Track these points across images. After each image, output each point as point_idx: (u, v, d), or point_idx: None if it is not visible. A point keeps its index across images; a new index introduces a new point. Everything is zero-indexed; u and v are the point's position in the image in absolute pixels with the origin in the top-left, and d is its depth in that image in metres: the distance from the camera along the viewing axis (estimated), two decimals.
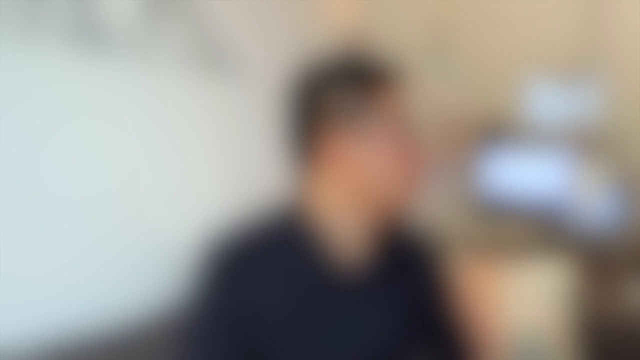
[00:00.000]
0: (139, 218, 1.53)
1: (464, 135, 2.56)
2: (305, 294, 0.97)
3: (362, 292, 1.02)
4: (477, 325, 1.19)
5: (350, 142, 0.97)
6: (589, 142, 2.46)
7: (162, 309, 1.41)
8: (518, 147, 2.54)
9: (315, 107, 0.99)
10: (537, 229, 2.45)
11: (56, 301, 1.32)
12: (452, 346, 1.15)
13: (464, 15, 2.56)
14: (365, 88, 0.98)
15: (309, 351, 0.97)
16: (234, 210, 1.03)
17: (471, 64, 2.53)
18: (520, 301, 2.21)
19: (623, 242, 2.31)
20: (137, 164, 1.54)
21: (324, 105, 0.98)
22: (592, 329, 2.12)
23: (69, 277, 1.35)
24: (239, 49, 1.84)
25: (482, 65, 2.52)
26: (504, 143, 2.55)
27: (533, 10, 2.49)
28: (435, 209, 2.20)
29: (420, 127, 1.04)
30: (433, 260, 1.14)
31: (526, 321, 2.19)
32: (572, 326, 2.16)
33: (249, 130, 1.83)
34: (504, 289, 2.21)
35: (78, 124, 1.40)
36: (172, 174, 1.64)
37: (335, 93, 0.97)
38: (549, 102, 2.54)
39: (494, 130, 2.56)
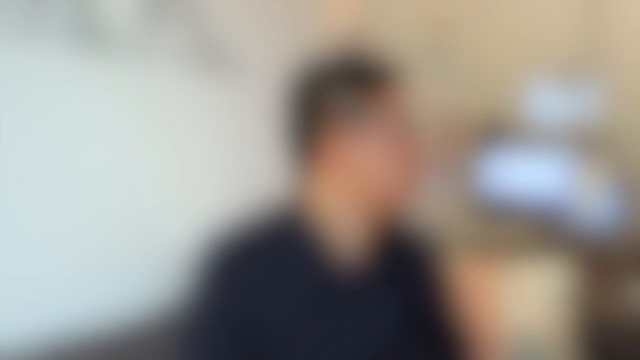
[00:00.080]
0: (139, 218, 1.53)
1: (464, 135, 2.56)
2: (305, 294, 0.97)
3: (362, 292, 1.02)
4: (476, 325, 1.19)
5: (350, 142, 0.97)
6: (589, 142, 2.46)
7: (162, 309, 1.41)
8: (518, 147, 2.54)
9: (315, 107, 0.99)
10: (537, 229, 2.45)
11: (56, 301, 1.32)
12: (450, 346, 1.15)
13: (464, 15, 2.56)
14: (365, 88, 0.98)
15: (308, 351, 0.97)
16: (234, 210, 1.03)
17: (471, 64, 2.53)
18: (520, 301, 2.21)
19: (623, 242, 2.31)
20: (137, 164, 1.54)
21: (324, 105, 0.98)
22: (592, 329, 2.12)
23: (69, 277, 1.35)
24: (239, 49, 1.84)
25: (482, 66, 2.52)
26: (504, 143, 2.55)
27: (533, 11, 2.50)
28: (435, 209, 2.20)
29: (420, 127, 1.04)
30: (432, 260, 1.14)
31: (526, 321, 2.19)
32: (572, 326, 2.16)
33: (249, 130, 1.83)
34: (504, 289, 2.21)
35: (78, 124, 1.40)
36: (172, 174, 1.64)
37: (335, 93, 0.97)
38: (549, 102, 2.54)
39: (494, 131, 2.56)
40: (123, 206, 1.49)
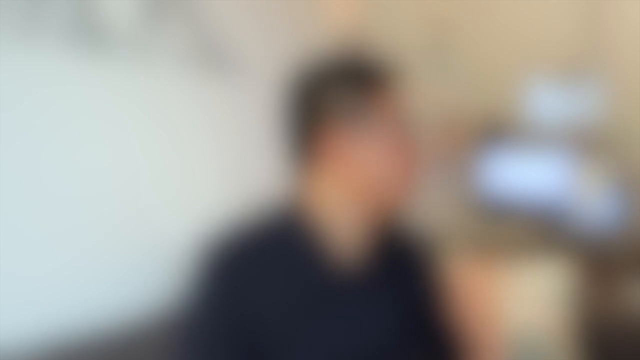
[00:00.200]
0: (139, 218, 1.53)
1: (464, 135, 2.56)
2: (304, 293, 0.97)
3: (361, 292, 1.02)
4: (475, 325, 1.19)
5: (349, 142, 0.97)
6: (589, 142, 2.46)
7: (162, 309, 1.41)
8: (518, 148, 2.54)
9: (314, 107, 0.99)
10: (537, 229, 2.45)
11: (56, 301, 1.32)
12: (449, 346, 1.15)
13: (464, 15, 2.56)
14: (364, 88, 0.98)
15: (308, 350, 0.97)
16: (234, 209, 1.03)
17: (471, 64, 2.53)
18: (520, 301, 2.21)
19: (623, 242, 2.31)
20: (137, 164, 1.54)
21: (324, 105, 0.98)
22: (592, 329, 2.12)
23: (69, 277, 1.35)
24: (239, 49, 1.84)
25: (482, 66, 2.52)
26: (504, 143, 2.55)
27: (533, 11, 2.50)
28: (435, 209, 2.20)
29: (420, 127, 1.04)
30: (431, 260, 1.14)
31: (526, 321, 2.19)
32: (572, 326, 2.16)
33: (249, 130, 1.83)
34: (504, 289, 2.21)
35: (78, 124, 1.40)
36: (172, 173, 1.64)
37: (335, 93, 0.98)
38: (549, 102, 2.54)
39: (494, 131, 2.56)
40: (123, 206, 1.49)
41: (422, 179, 1.03)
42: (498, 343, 2.13)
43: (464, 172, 2.55)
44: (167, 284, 1.40)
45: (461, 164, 2.54)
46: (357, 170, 0.98)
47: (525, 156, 2.53)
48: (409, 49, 2.09)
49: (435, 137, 2.46)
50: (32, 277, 1.28)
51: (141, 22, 1.55)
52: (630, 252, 2.27)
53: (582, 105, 2.50)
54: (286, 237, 0.99)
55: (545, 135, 2.51)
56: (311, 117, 0.99)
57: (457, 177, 2.54)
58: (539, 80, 2.54)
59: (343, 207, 1.00)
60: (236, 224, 1.00)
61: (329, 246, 1.00)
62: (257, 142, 1.74)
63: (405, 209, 1.04)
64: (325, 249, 1.00)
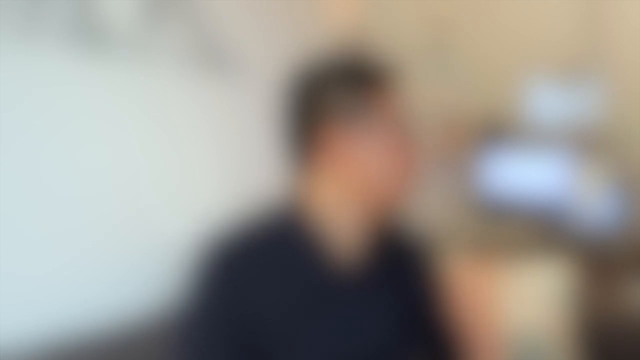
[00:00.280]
0: (139, 218, 1.53)
1: (464, 135, 2.56)
2: (304, 293, 0.97)
3: (360, 292, 1.02)
4: (475, 325, 1.19)
5: (348, 142, 0.97)
6: (589, 142, 2.46)
7: (162, 309, 1.41)
8: (518, 148, 2.54)
9: (314, 107, 0.99)
10: (537, 229, 2.45)
11: (56, 301, 1.32)
12: (447, 346, 1.15)
13: (464, 15, 2.56)
14: (364, 88, 0.98)
15: (307, 350, 0.97)
16: (234, 209, 1.03)
17: (471, 64, 2.53)
18: (520, 301, 2.21)
19: (623, 242, 2.31)
20: (137, 164, 1.54)
21: (323, 105, 0.98)
22: (592, 329, 2.12)
23: (69, 277, 1.35)
24: (239, 49, 1.84)
25: (482, 66, 2.52)
26: (504, 143, 2.55)
27: (533, 11, 2.50)
28: (434, 209, 2.20)
29: (420, 127, 1.04)
30: (431, 260, 1.14)
31: (526, 321, 2.19)
32: (572, 326, 2.16)
33: (249, 130, 1.83)
34: (504, 289, 2.21)
35: (78, 124, 1.40)
36: (172, 173, 1.64)
37: (335, 93, 0.98)
38: (549, 102, 2.54)
39: (494, 131, 2.56)
40: (123, 206, 1.49)
41: (422, 179, 1.03)
42: (498, 343, 2.13)
43: (464, 172, 2.55)
44: (167, 284, 1.40)
45: (461, 164, 2.54)
46: (357, 170, 0.98)
47: (525, 156, 2.53)
48: (409, 49, 2.09)
49: (435, 137, 2.46)
50: (32, 277, 1.28)
51: (141, 22, 1.55)
52: (630, 252, 2.27)
53: (582, 105, 2.50)
54: (286, 237, 0.99)
55: (545, 135, 2.51)
56: (311, 117, 0.99)
57: (457, 177, 2.54)
58: (539, 80, 2.54)
59: (342, 207, 1.00)
60: (236, 224, 1.00)
61: (328, 246, 1.00)
62: (257, 142, 1.74)
63: (405, 208, 1.04)
64: (324, 248, 1.00)
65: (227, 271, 0.95)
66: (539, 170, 2.51)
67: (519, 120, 2.54)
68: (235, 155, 1.82)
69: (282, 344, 0.95)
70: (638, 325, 2.11)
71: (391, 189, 0.99)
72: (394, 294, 1.07)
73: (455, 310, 1.16)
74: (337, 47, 1.05)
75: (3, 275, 1.22)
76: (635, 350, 1.93)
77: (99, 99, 1.45)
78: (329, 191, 1.00)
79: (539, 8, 2.49)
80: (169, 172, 1.63)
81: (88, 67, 1.42)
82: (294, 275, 0.98)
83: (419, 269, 1.12)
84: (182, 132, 1.67)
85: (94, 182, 1.42)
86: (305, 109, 0.99)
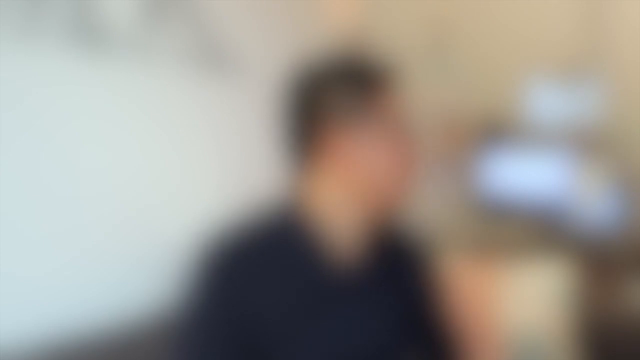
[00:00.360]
0: (139, 218, 1.53)
1: (464, 135, 2.56)
2: (304, 293, 0.97)
3: (360, 291, 1.02)
4: (474, 325, 1.19)
5: (348, 142, 0.97)
6: (589, 142, 2.46)
7: (162, 309, 1.41)
8: (518, 148, 2.54)
9: (314, 107, 0.99)
10: (537, 229, 2.45)
11: (56, 301, 1.32)
12: (446, 346, 1.15)
13: (464, 15, 2.56)
14: (364, 88, 0.98)
15: (307, 349, 0.97)
16: (234, 209, 1.03)
17: (471, 64, 2.53)
18: (520, 301, 2.21)
19: (623, 242, 2.31)
20: (137, 164, 1.54)
21: (323, 105, 0.98)
22: (592, 329, 2.12)
23: (69, 277, 1.35)
24: (239, 49, 1.84)
25: (482, 66, 2.52)
26: (504, 143, 2.55)
27: (533, 11, 2.50)
28: (435, 209, 2.20)
29: (420, 127, 1.04)
30: (431, 260, 1.14)
31: (526, 321, 2.19)
32: (572, 326, 2.16)
33: (249, 130, 1.83)
34: (504, 289, 2.21)
35: (78, 124, 1.40)
36: (172, 173, 1.64)
37: (334, 93, 0.98)
38: (549, 102, 2.54)
39: (494, 131, 2.56)
40: (123, 206, 1.49)
41: (422, 178, 1.03)
42: (498, 343, 2.13)
43: (464, 172, 2.55)
44: (166, 284, 1.40)
45: (461, 164, 2.54)
46: (357, 170, 0.98)
47: (525, 156, 2.54)
48: (409, 49, 2.09)
49: (435, 137, 2.46)
50: (32, 277, 1.28)
51: (141, 22, 1.55)
52: (630, 252, 2.27)
53: (582, 105, 2.50)
54: (286, 236, 0.99)
55: (545, 135, 2.52)
56: (311, 117, 0.99)
57: (457, 177, 2.54)
58: (539, 80, 2.54)
59: (342, 206, 1.00)
60: (236, 223, 1.00)
61: (328, 246, 1.00)
62: (257, 142, 1.74)
63: (405, 208, 1.04)
64: (324, 248, 1.00)
65: (226, 271, 0.95)
66: (539, 171, 2.51)
67: (519, 120, 2.54)
68: (235, 155, 1.82)
69: (281, 344, 0.95)
70: (638, 325, 2.11)
71: (391, 188, 0.99)
72: (393, 294, 1.07)
73: (455, 310, 1.16)
74: (337, 47, 1.05)
75: (3, 275, 1.22)
76: (635, 350, 1.93)
77: (99, 99, 1.45)
78: (328, 191, 1.00)
79: (539, 8, 2.49)
80: (169, 172, 1.63)
81: (88, 67, 1.42)
82: (294, 275, 0.98)
83: (419, 268, 1.12)
84: (182, 132, 1.67)
85: (94, 182, 1.42)
86: (305, 109, 0.99)
